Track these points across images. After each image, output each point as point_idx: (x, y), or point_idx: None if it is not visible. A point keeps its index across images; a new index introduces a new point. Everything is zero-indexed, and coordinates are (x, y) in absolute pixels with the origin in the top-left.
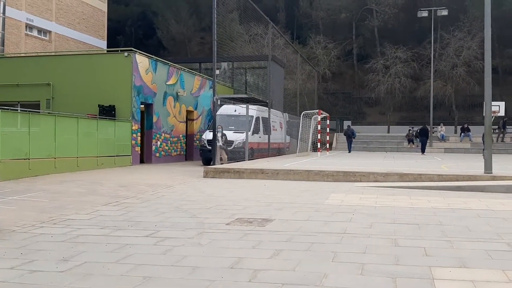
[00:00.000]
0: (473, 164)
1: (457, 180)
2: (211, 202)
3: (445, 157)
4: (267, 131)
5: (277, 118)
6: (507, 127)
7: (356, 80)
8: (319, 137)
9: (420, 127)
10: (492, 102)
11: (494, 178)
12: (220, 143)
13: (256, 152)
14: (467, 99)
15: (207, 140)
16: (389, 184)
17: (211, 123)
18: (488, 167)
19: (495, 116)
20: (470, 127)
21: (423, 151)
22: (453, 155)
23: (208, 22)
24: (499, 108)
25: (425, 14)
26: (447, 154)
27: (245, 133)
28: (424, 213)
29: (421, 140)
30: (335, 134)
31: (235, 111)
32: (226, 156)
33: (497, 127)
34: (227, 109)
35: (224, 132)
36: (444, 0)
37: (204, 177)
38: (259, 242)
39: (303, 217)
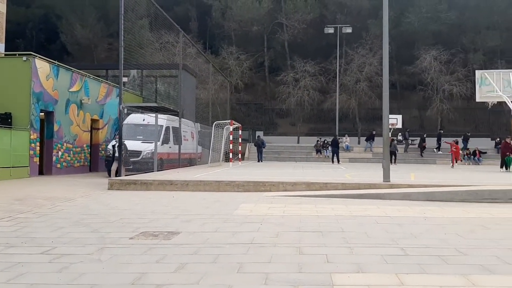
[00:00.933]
0: (374, 173)
1: (359, 189)
2: (114, 215)
3: (349, 167)
4: (178, 141)
5: (189, 128)
6: (411, 138)
7: (268, 92)
8: (231, 147)
9: (331, 138)
10: (390, 115)
11: (392, 186)
12: (117, 153)
13: (166, 163)
14: (369, 112)
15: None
16: (297, 193)
17: (117, 133)
18: (386, 176)
19: (394, 128)
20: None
21: (338, 161)
22: (357, 164)
23: (116, 28)
24: (396, 120)
25: (331, 31)
26: (351, 163)
27: (154, 143)
28: (328, 220)
29: (333, 150)
30: (248, 144)
31: (144, 120)
32: (116, 168)
33: (402, 138)
34: (134, 118)
35: (131, 142)
36: (349, 18)
37: (108, 189)
38: (163, 256)
39: (211, 228)
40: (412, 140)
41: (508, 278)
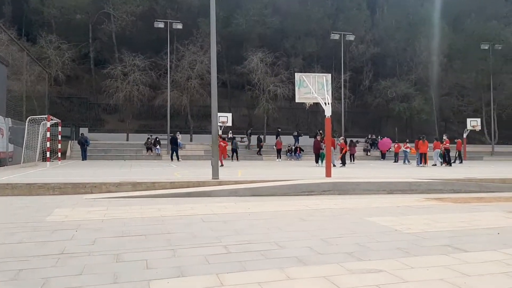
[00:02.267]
0: (205, 171)
1: (188, 187)
2: None
3: (181, 165)
4: None
5: None
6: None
7: (94, 85)
8: (48, 145)
9: (163, 135)
10: (221, 113)
11: (221, 183)
12: None
13: None
14: (201, 109)
15: None
16: (122, 194)
17: None
18: (215, 173)
19: (224, 126)
20: (204, 135)
21: (178, 158)
22: (189, 161)
23: None
24: (227, 118)
25: (161, 25)
26: (184, 161)
27: None
28: (154, 222)
29: (172, 148)
30: (70, 141)
31: None
32: None
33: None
34: None
35: None
36: (179, 14)
37: None
38: None
39: (16, 239)
40: (241, 138)
41: (319, 268)
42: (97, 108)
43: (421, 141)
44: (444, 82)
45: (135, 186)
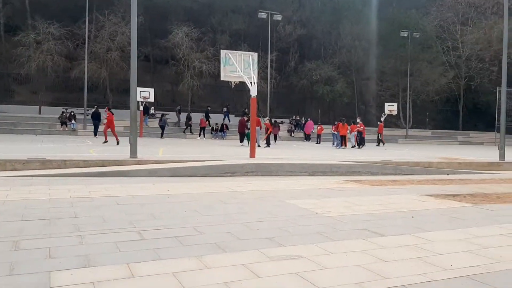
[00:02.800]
0: (124, 149)
1: (103, 166)
2: None
3: (98, 141)
4: None
5: None
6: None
7: (4, 53)
8: None
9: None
10: (142, 88)
11: (139, 162)
12: None
13: None
14: (122, 83)
15: None
16: (29, 172)
17: None
18: (133, 151)
19: (146, 101)
20: (125, 111)
21: (95, 134)
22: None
23: None
24: (149, 94)
25: None
26: (102, 137)
27: None
28: (61, 204)
29: (94, 123)
30: None
31: None
32: None
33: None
34: None
35: None
36: None
37: None
38: None
39: None
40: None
41: (238, 255)
42: (6, 78)
43: (341, 123)
44: (366, 66)
45: (44, 164)
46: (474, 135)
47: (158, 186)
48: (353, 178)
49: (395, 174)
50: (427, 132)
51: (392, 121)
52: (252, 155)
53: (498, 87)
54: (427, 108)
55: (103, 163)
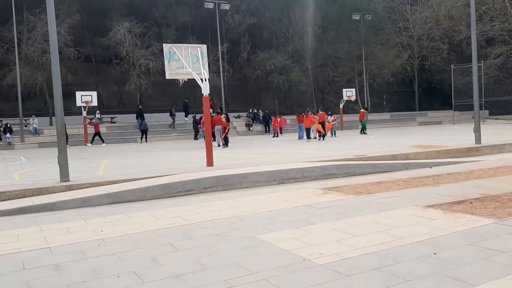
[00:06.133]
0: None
1: (25, 197)
2: None
3: (33, 156)
4: None
5: None
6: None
7: None
8: None
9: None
10: (84, 92)
11: (71, 187)
12: None
13: None
14: (63, 88)
15: None
16: None
17: None
18: (64, 174)
19: (89, 106)
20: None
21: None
22: (49, 150)
23: None
24: (91, 97)
25: None
26: (41, 149)
27: None
28: None
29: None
30: None
31: None
32: None
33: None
34: None
35: None
36: None
37: None
38: None
39: None
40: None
41: None
42: None
43: (304, 116)
44: (319, 53)
45: None
46: (432, 114)
47: (90, 223)
48: (330, 183)
49: (374, 173)
50: (386, 116)
51: (350, 107)
52: (209, 163)
53: (452, 65)
54: (383, 91)
55: (24, 194)
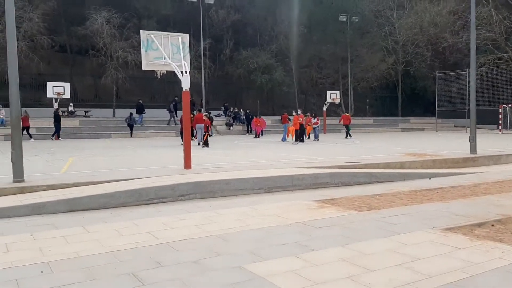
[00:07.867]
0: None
1: None
2: None
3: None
4: None
5: None
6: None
7: None
8: None
9: None
10: (56, 83)
11: (23, 190)
12: None
13: None
14: (35, 78)
15: None
16: None
17: None
18: (18, 174)
19: (61, 98)
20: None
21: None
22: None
23: None
24: (63, 89)
25: None
26: (7, 142)
27: None
28: None
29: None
30: None
31: None
32: None
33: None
34: None
35: None
36: None
37: None
38: None
39: None
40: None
41: None
42: None
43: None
44: (304, 54)
45: None
46: (414, 121)
47: (38, 238)
48: (324, 194)
49: (370, 183)
50: (369, 120)
51: (332, 110)
52: (187, 165)
53: (437, 72)
54: (367, 95)
55: None
